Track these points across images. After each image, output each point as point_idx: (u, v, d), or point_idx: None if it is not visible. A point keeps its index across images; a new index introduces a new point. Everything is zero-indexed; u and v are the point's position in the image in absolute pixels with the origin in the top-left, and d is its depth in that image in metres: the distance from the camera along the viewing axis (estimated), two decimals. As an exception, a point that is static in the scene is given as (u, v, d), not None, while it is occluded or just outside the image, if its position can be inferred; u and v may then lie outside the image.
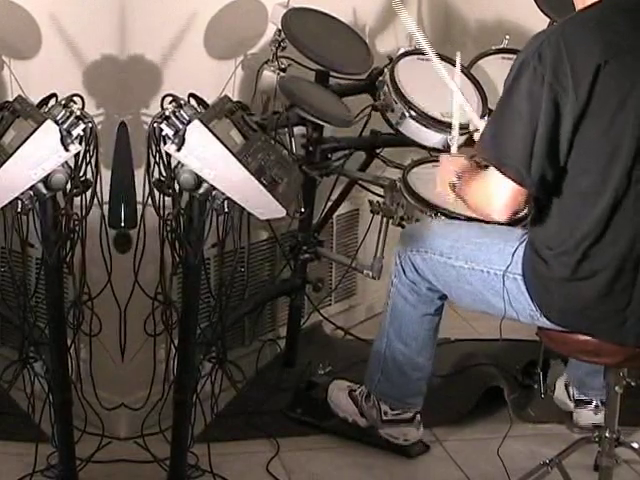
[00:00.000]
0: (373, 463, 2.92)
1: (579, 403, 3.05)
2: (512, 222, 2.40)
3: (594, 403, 3.02)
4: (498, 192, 2.29)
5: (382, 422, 2.93)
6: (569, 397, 3.08)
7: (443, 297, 2.79)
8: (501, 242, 2.52)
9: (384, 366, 2.88)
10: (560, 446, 2.72)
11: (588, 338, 2.40)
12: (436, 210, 2.80)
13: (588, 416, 3.03)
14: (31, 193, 2.24)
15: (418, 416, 2.93)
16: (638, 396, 2.70)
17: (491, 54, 3.28)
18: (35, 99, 2.40)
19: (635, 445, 2.68)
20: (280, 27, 3.00)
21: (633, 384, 2.57)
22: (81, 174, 2.32)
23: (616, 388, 2.54)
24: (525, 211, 2.42)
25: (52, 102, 2.36)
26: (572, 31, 2.23)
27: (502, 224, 2.41)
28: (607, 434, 2.60)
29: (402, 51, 3.12)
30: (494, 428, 3.01)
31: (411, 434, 2.94)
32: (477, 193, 2.40)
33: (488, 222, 2.49)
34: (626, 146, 2.23)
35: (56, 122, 2.20)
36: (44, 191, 2.25)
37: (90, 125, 2.27)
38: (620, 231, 2.29)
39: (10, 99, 2.44)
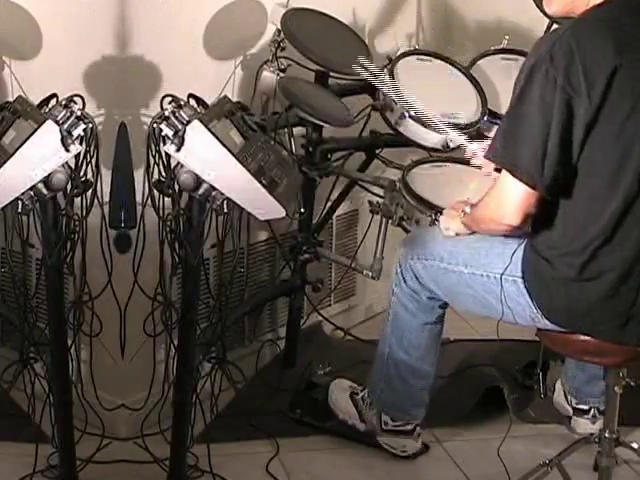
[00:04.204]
0: (373, 464, 2.92)
1: (577, 411, 3.05)
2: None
3: (592, 412, 3.01)
4: (510, 196, 2.29)
5: (382, 431, 2.93)
6: (568, 403, 3.08)
7: (444, 305, 2.77)
8: (500, 246, 2.50)
9: (387, 375, 2.87)
10: (560, 446, 2.73)
11: (589, 339, 2.40)
12: (436, 210, 2.80)
13: (585, 425, 3.02)
14: (31, 193, 2.25)
15: (418, 428, 2.93)
16: (638, 396, 2.71)
17: (491, 54, 3.29)
18: (35, 99, 2.40)
19: (635, 445, 2.68)
20: (280, 27, 3.00)
21: (633, 384, 2.58)
22: (81, 174, 2.32)
23: (615, 388, 2.54)
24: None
25: (52, 102, 2.36)
26: (583, 32, 2.21)
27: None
28: (607, 434, 2.60)
29: (401, 51, 3.12)
30: (494, 428, 3.02)
31: (409, 446, 2.93)
32: (487, 203, 2.40)
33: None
34: (637, 150, 2.23)
35: (56, 122, 2.20)
36: (44, 191, 2.26)
37: (90, 125, 2.27)
38: (629, 234, 2.29)
39: (10, 99, 2.44)
